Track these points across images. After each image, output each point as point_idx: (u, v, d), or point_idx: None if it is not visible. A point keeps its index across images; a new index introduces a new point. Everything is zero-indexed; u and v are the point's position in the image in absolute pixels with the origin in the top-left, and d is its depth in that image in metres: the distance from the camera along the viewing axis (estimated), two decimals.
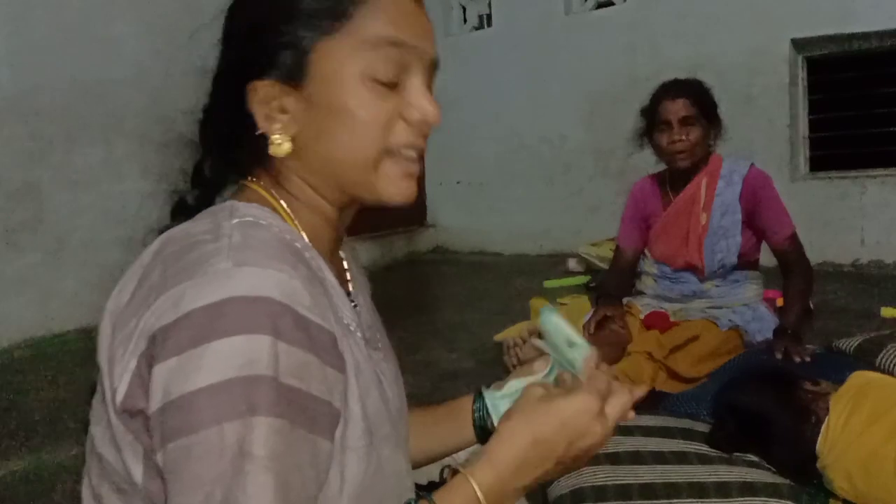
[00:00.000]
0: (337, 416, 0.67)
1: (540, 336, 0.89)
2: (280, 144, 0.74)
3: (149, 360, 0.62)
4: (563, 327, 0.85)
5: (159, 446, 0.61)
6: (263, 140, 0.75)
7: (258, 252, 0.65)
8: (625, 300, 2.65)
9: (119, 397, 0.65)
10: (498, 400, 0.92)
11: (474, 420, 0.96)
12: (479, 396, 0.97)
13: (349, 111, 0.72)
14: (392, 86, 0.74)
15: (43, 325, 3.55)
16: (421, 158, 0.78)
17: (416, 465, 0.94)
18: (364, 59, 0.72)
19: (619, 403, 0.77)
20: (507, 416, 0.77)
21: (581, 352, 0.83)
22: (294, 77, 0.73)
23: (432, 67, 0.79)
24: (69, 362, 3.19)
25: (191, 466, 0.58)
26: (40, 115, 3.58)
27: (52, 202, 3.64)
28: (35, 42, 3.54)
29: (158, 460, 0.61)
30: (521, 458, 0.73)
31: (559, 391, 0.77)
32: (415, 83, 0.76)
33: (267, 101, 0.74)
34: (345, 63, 0.72)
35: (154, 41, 3.80)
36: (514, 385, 0.92)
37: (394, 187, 0.76)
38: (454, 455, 1.01)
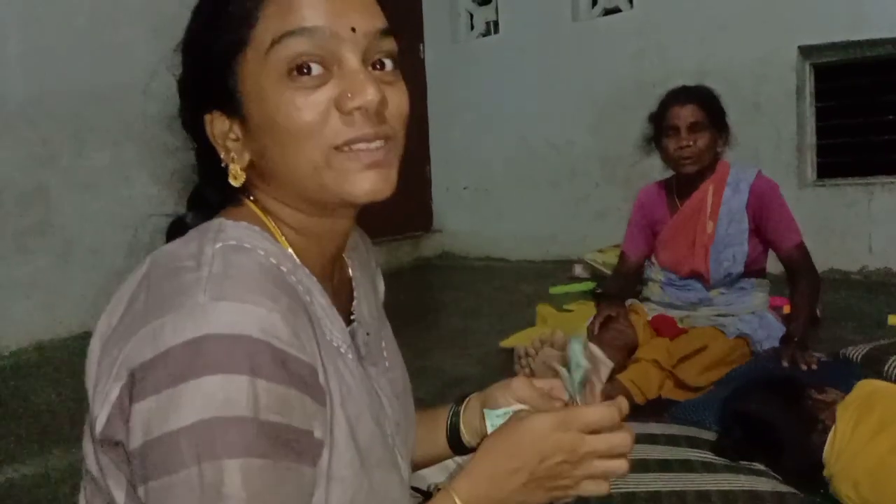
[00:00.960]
0: (319, 446, 0.67)
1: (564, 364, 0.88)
2: (235, 175, 0.74)
3: (129, 394, 0.62)
4: (577, 354, 0.84)
5: (141, 482, 0.61)
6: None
7: (237, 283, 0.64)
8: (628, 302, 2.64)
9: (98, 427, 0.65)
10: (497, 419, 0.90)
11: (447, 429, 0.97)
12: (454, 412, 0.97)
13: (277, 123, 0.69)
14: (320, 77, 0.69)
15: (50, 328, 3.55)
16: (388, 142, 0.71)
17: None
18: (274, 62, 0.68)
19: (612, 439, 0.77)
20: (490, 434, 0.82)
21: (579, 374, 0.82)
22: (231, 104, 0.72)
23: (373, 39, 0.71)
24: (76, 366, 3.18)
25: None
26: (49, 120, 3.59)
27: (61, 206, 3.65)
28: (45, 47, 3.56)
29: (141, 495, 0.61)
30: (493, 469, 0.77)
31: (541, 411, 0.81)
32: (346, 66, 0.69)
33: (221, 133, 0.74)
34: (260, 74, 0.69)
35: (163, 46, 3.80)
36: (515, 405, 0.91)
37: (351, 184, 0.70)
38: (456, 459, 1.01)
